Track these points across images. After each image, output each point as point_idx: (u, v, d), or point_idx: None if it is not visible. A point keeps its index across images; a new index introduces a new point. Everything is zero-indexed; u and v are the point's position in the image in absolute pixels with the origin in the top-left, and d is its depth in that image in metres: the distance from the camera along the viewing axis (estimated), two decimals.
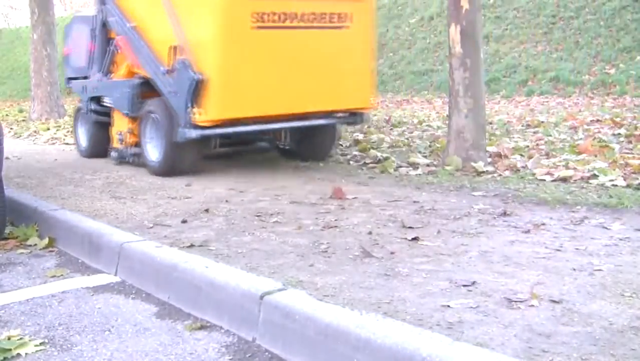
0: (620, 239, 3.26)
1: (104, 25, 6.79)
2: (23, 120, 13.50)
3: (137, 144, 6.19)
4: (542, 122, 8.56)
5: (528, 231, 3.48)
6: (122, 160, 6.51)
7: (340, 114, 6.01)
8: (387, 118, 10.15)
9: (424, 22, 17.58)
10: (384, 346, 2.10)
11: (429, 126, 8.99)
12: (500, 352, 2.02)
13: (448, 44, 5.72)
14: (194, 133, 5.27)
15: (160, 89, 5.72)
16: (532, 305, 2.41)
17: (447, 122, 6.04)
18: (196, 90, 5.17)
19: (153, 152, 5.88)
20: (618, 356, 1.99)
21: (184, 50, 5.37)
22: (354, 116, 6.02)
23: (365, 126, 9.14)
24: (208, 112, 5.16)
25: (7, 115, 15.58)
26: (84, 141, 7.39)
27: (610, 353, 2.01)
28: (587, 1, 14.70)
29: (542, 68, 13.58)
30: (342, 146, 7.41)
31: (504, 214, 3.87)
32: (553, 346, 2.07)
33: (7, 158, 6.15)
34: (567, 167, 5.19)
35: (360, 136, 8.02)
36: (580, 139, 6.85)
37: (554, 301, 2.44)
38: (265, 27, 5.15)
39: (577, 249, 3.13)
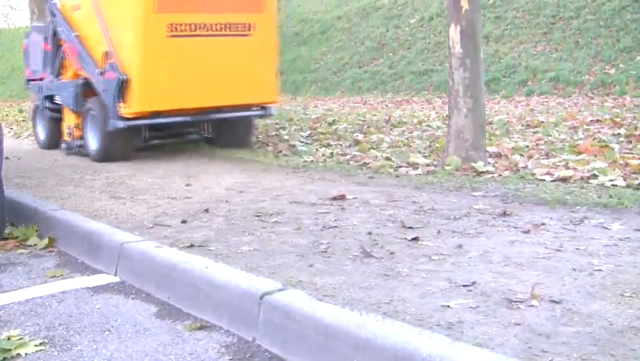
0: (620, 240, 3.26)
1: (55, 34, 7.83)
2: (23, 120, 13.50)
3: (82, 137, 7.14)
4: (542, 122, 8.57)
5: (528, 231, 3.48)
6: (70, 151, 7.46)
7: (252, 109, 7.01)
8: (386, 118, 10.16)
9: (423, 23, 17.59)
10: (384, 346, 2.10)
11: (428, 126, 9.00)
12: (500, 352, 2.02)
13: (448, 44, 5.73)
14: (121, 123, 6.33)
15: (97, 88, 6.74)
16: (532, 305, 2.41)
17: (447, 122, 6.05)
18: (122, 88, 6.20)
19: (93, 142, 6.89)
20: (618, 356, 1.99)
21: (112, 55, 6.38)
22: (263, 110, 7.06)
23: (366, 126, 9.15)
24: (132, 106, 6.24)
25: (7, 115, 15.59)
26: (41, 135, 8.51)
27: (610, 353, 2.01)
28: (587, 1, 14.72)
29: (541, 68, 13.60)
30: (341, 145, 7.41)
31: (504, 214, 3.87)
32: (553, 346, 2.07)
33: (7, 158, 6.15)
34: (567, 167, 5.19)
35: (360, 136, 8.02)
36: (580, 139, 6.86)
37: (553, 301, 2.45)
38: (179, 35, 6.20)
39: (577, 249, 3.13)
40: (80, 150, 7.24)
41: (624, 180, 4.62)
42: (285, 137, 8.31)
